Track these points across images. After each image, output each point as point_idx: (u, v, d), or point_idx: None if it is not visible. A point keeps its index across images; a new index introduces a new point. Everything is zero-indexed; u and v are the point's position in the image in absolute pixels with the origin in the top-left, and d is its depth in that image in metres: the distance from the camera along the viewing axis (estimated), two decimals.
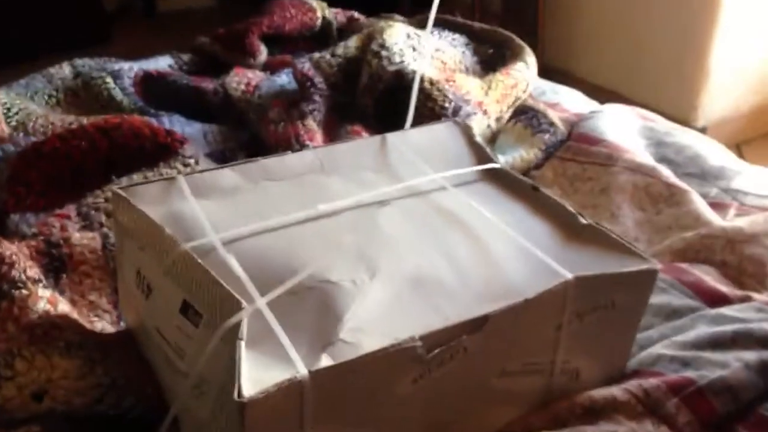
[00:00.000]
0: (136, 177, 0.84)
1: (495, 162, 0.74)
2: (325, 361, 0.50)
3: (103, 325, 0.70)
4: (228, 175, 0.67)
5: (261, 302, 0.53)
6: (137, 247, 0.61)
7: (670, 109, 2.00)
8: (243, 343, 0.50)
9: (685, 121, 1.96)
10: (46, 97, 1.14)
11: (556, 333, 0.59)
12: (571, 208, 0.66)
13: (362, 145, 0.74)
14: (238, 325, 0.50)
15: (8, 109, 1.03)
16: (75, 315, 0.66)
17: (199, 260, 0.55)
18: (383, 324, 0.54)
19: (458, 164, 0.73)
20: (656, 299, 0.71)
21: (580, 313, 0.59)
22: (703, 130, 1.93)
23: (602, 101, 1.20)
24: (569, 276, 0.58)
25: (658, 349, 0.65)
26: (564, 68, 2.28)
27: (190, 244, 0.57)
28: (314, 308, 0.55)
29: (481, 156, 0.74)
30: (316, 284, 0.56)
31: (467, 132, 0.77)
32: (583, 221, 0.64)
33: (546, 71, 1.16)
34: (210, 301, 0.54)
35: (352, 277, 0.57)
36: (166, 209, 0.63)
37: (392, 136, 0.74)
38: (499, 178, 0.72)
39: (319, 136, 0.92)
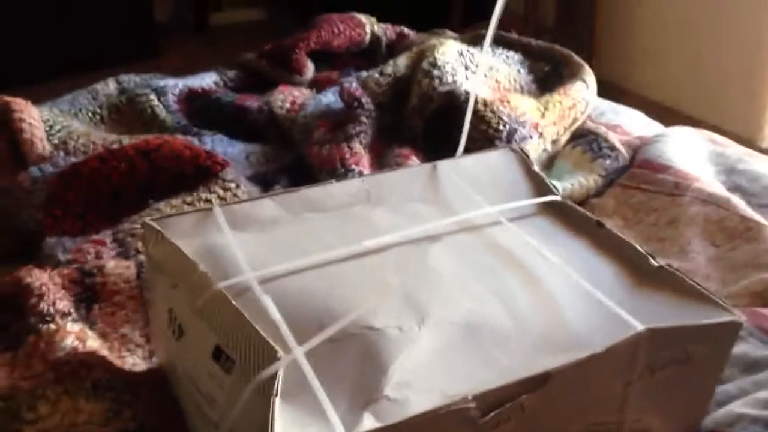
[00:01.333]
0: (175, 202, 0.81)
1: (555, 193, 0.68)
2: (368, 422, 0.45)
3: (134, 360, 0.66)
4: (267, 205, 0.63)
5: (298, 351, 0.49)
6: (169, 285, 0.57)
7: (735, 128, 1.91)
8: (278, 399, 0.45)
9: (750, 141, 1.87)
10: (90, 114, 1.12)
11: (624, 390, 0.53)
12: (640, 248, 0.59)
13: (412, 173, 0.69)
14: (273, 377, 0.46)
15: (51, 127, 1.01)
16: (105, 351, 0.63)
17: (234, 302, 0.51)
18: (432, 378, 0.49)
19: (515, 196, 0.67)
20: (733, 349, 0.64)
21: (652, 367, 0.53)
22: None
23: (662, 119, 1.13)
24: (641, 327, 0.52)
25: (737, 407, 0.58)
26: (620, 84, 2.20)
27: (224, 284, 0.53)
28: (356, 358, 0.50)
29: (539, 187, 0.69)
30: (359, 331, 0.51)
31: (524, 160, 0.71)
32: (655, 263, 0.58)
33: (601, 87, 1.10)
34: (244, 348, 0.50)
35: (398, 324, 0.52)
36: (201, 242, 0.59)
37: (444, 164, 0.69)
38: (559, 212, 0.66)
39: (365, 160, 0.87)
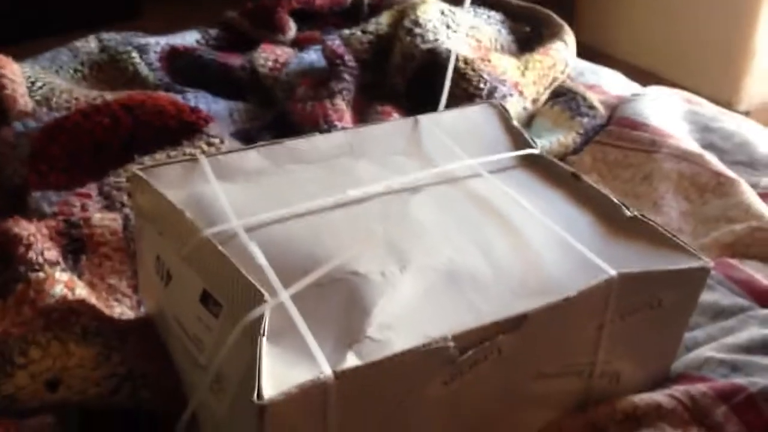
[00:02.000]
0: (159, 156, 0.82)
1: (533, 147, 0.70)
2: (352, 360, 0.47)
3: (123, 309, 0.68)
4: (253, 157, 0.64)
5: (284, 295, 0.50)
6: (157, 232, 0.58)
7: (712, 92, 1.93)
8: (264, 340, 0.47)
9: (727, 105, 1.89)
10: (71, 72, 1.12)
11: (597, 333, 0.55)
12: (615, 199, 0.61)
13: (394, 127, 0.70)
14: (259, 319, 0.48)
15: (32, 83, 1.01)
16: (93, 300, 0.64)
17: (220, 248, 0.52)
18: (413, 321, 0.51)
19: (494, 149, 0.69)
20: (703, 297, 0.66)
21: (624, 312, 0.56)
22: (746, 114, 1.85)
23: (642, 83, 1.14)
24: (613, 273, 0.54)
25: (705, 351, 0.61)
26: (601, 48, 2.21)
27: (211, 230, 0.55)
28: (340, 302, 0.52)
29: (518, 141, 0.70)
30: (343, 276, 0.53)
31: (504, 115, 0.73)
32: (628, 213, 0.60)
33: (583, 51, 1.11)
34: (231, 292, 0.51)
35: (381, 269, 0.54)
36: (188, 192, 0.60)
37: (425, 119, 0.71)
38: (537, 165, 0.68)
39: (348, 116, 0.88)
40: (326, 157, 0.65)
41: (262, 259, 0.54)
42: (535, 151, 0.69)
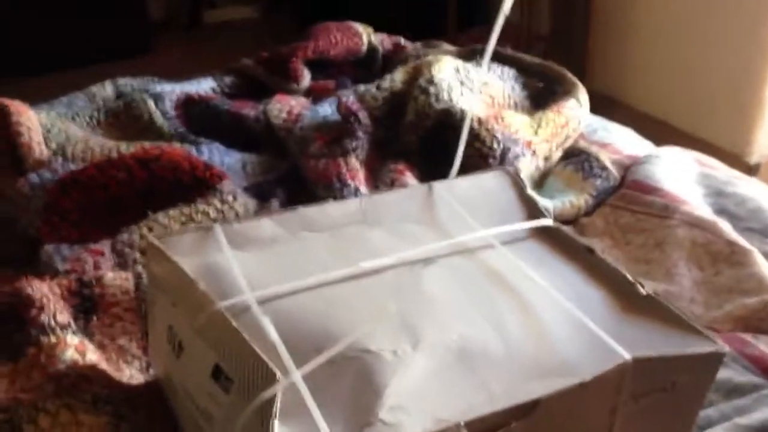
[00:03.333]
0: (173, 213, 0.82)
1: (546, 217, 0.70)
2: None
3: (132, 372, 0.67)
4: (266, 225, 0.64)
5: (296, 375, 0.50)
6: (170, 302, 0.58)
7: (723, 143, 1.94)
8: (276, 423, 0.46)
9: (738, 156, 1.90)
10: (87, 118, 1.13)
11: (610, 416, 0.55)
12: (629, 276, 0.61)
13: (408, 194, 0.71)
14: (271, 400, 0.47)
15: (48, 131, 1.02)
16: (104, 364, 0.64)
17: (233, 322, 0.52)
18: (425, 402, 0.50)
19: (507, 219, 0.69)
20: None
21: (637, 395, 0.55)
22: (756, 167, 1.86)
23: (651, 132, 1.14)
24: (628, 357, 0.54)
25: (718, 431, 0.60)
26: (612, 95, 2.22)
27: (224, 303, 0.55)
28: (352, 381, 0.51)
29: (532, 210, 0.70)
30: (355, 354, 0.53)
31: (518, 183, 0.73)
32: (643, 292, 0.60)
33: (593, 97, 1.11)
34: (243, 368, 0.51)
35: (393, 347, 0.54)
36: (202, 260, 0.60)
37: (439, 186, 0.71)
38: (550, 236, 0.68)
39: (361, 175, 0.89)
40: (339, 225, 0.66)
41: (274, 335, 0.54)
42: (549, 222, 0.69)
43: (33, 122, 1.01)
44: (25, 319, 0.65)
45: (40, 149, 0.97)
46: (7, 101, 1.04)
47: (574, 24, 2.26)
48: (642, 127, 1.17)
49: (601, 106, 1.21)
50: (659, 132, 1.33)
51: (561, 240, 0.67)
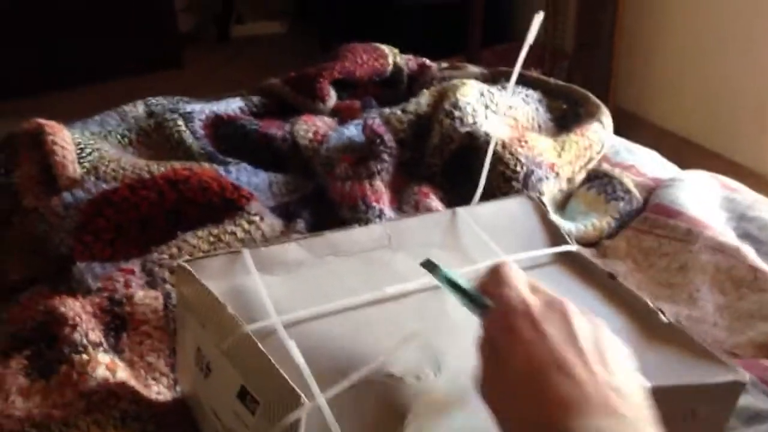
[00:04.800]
0: (201, 233, 0.84)
1: (569, 243, 0.70)
2: None
3: (160, 389, 0.69)
4: (293, 249, 0.65)
5: (321, 399, 0.51)
6: (199, 324, 0.60)
7: (747, 161, 1.93)
8: None
9: (763, 175, 1.89)
10: (119, 137, 1.15)
11: None
12: (650, 304, 0.62)
13: (432, 220, 0.72)
14: (296, 423, 0.49)
15: (82, 150, 1.04)
16: (133, 381, 0.66)
17: (260, 345, 0.54)
18: (448, 428, 0.51)
19: (531, 244, 0.70)
20: None
21: (657, 423, 0.56)
22: None
23: (675, 151, 1.15)
24: (647, 385, 0.54)
25: None
26: (636, 113, 2.22)
27: (252, 327, 0.56)
28: (375, 406, 0.53)
29: (555, 236, 0.71)
30: (379, 378, 0.54)
31: (541, 209, 0.74)
32: (664, 319, 0.61)
33: (616, 115, 1.12)
34: (268, 390, 0.52)
35: (416, 372, 0.55)
36: (230, 284, 0.61)
37: (463, 211, 0.72)
38: (573, 262, 0.69)
39: (386, 198, 0.90)
40: (365, 250, 0.67)
41: (299, 358, 0.55)
42: (572, 248, 0.69)
43: (67, 141, 1.04)
44: (58, 337, 0.67)
45: (73, 168, 1.00)
46: (42, 121, 1.07)
47: (598, 41, 2.26)
48: (665, 145, 1.17)
49: (625, 123, 1.22)
50: (682, 150, 1.33)
51: (583, 266, 0.68)
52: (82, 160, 1.02)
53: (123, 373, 0.65)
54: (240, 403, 0.54)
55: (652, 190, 1.00)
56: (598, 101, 1.11)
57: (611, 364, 0.44)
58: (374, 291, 0.61)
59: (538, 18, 0.73)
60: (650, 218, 0.92)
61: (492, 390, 0.46)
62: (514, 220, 0.72)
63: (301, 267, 0.64)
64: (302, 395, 0.50)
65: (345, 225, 0.87)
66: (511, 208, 0.74)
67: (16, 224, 0.96)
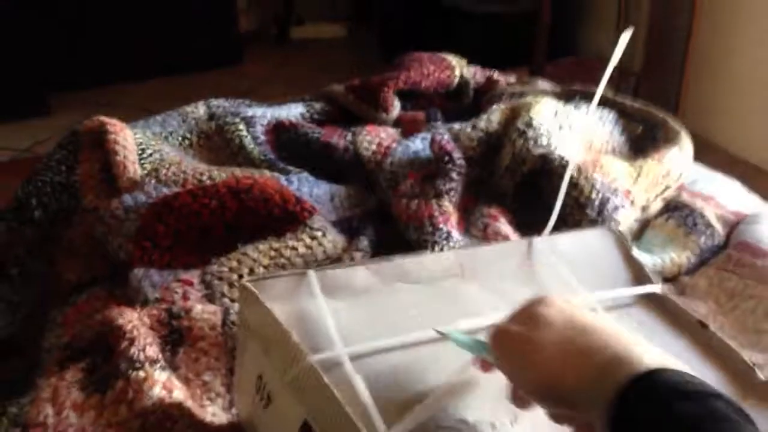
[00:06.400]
0: (262, 246, 0.81)
1: (655, 283, 0.66)
2: None
3: (215, 410, 0.66)
4: (361, 273, 0.62)
5: None
6: (261, 350, 0.57)
7: None
8: None
9: None
10: (180, 138, 1.14)
11: None
12: (747, 359, 0.57)
13: (506, 249, 0.68)
14: None
15: (143, 150, 1.03)
16: (189, 402, 0.63)
17: (325, 379, 0.51)
18: None
19: (612, 282, 0.65)
20: None
21: None
22: None
23: (745, 178, 1.08)
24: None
25: None
26: (705, 136, 2.14)
27: (317, 357, 0.53)
28: None
29: (638, 274, 0.67)
30: (452, 424, 0.50)
31: (623, 243, 0.69)
32: (761, 377, 0.56)
33: None
34: (333, 428, 0.49)
35: (491, 420, 0.51)
36: (294, 307, 0.58)
37: (540, 242, 0.68)
38: (658, 305, 0.64)
39: (453, 219, 0.86)
40: (435, 279, 0.63)
41: (365, 394, 0.52)
42: (657, 289, 0.65)
43: (129, 142, 1.03)
44: (115, 350, 0.65)
45: (134, 169, 0.99)
46: (105, 119, 1.06)
47: (668, 61, 2.18)
48: (735, 173, 1.11)
49: (694, 147, 1.16)
50: (754, 177, 1.26)
51: (670, 310, 0.63)
52: (143, 161, 1.01)
53: (179, 393, 0.62)
54: None
55: (733, 224, 0.94)
56: (677, 125, 1.05)
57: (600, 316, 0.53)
58: (445, 324, 0.58)
59: (627, 35, 0.68)
60: (734, 256, 0.86)
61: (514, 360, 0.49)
62: (594, 253, 0.68)
63: (368, 293, 0.61)
64: None
65: (410, 245, 0.84)
66: (591, 240, 0.69)
67: (75, 224, 0.95)
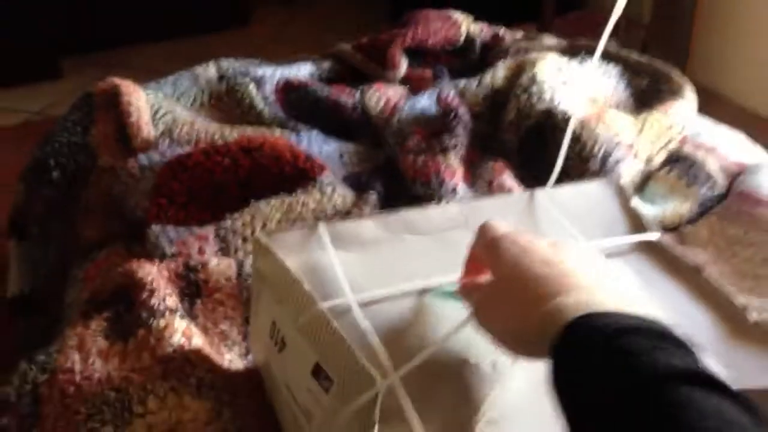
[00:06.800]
0: (274, 202, 0.84)
1: (652, 231, 0.68)
2: None
3: (232, 357, 0.70)
4: (369, 226, 0.65)
5: (395, 378, 0.51)
6: (274, 299, 0.60)
7: None
8: (377, 427, 0.48)
9: None
10: (191, 99, 1.16)
11: None
12: (737, 301, 0.59)
13: (509, 201, 0.70)
14: (371, 404, 0.48)
15: (156, 111, 1.05)
16: (207, 349, 0.66)
17: (335, 324, 0.54)
18: (523, 419, 0.50)
19: (611, 231, 0.68)
20: None
21: None
22: None
23: (752, 129, 1.09)
24: (734, 388, 0.52)
25: None
26: (714, 88, 2.13)
27: (327, 304, 0.56)
28: (450, 391, 0.52)
29: (636, 223, 0.69)
30: (454, 364, 0.53)
31: (622, 194, 0.71)
32: (753, 318, 0.58)
33: (695, 90, 1.07)
34: (342, 369, 0.52)
35: (492, 359, 0.54)
36: (306, 259, 0.61)
37: (541, 194, 0.70)
38: (655, 252, 0.66)
39: (459, 173, 0.88)
40: (441, 229, 0.66)
41: (374, 338, 0.55)
42: (655, 237, 0.67)
43: (142, 103, 1.05)
44: (136, 301, 0.68)
45: (147, 129, 1.01)
46: (118, 81, 1.08)
47: (677, 12, 2.16)
48: (742, 124, 1.11)
49: (703, 100, 1.16)
50: (760, 126, 1.27)
51: (666, 256, 0.65)
52: (156, 122, 1.03)
53: (198, 340, 0.66)
54: (314, 381, 0.54)
55: (735, 175, 0.96)
56: (682, 78, 1.06)
57: (562, 253, 0.51)
58: (450, 272, 0.60)
59: None
60: (734, 206, 0.88)
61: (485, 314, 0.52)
62: (594, 204, 0.70)
63: (377, 244, 0.64)
64: (377, 375, 0.49)
65: (417, 200, 0.86)
66: (591, 191, 0.72)
67: (92, 184, 0.98)
